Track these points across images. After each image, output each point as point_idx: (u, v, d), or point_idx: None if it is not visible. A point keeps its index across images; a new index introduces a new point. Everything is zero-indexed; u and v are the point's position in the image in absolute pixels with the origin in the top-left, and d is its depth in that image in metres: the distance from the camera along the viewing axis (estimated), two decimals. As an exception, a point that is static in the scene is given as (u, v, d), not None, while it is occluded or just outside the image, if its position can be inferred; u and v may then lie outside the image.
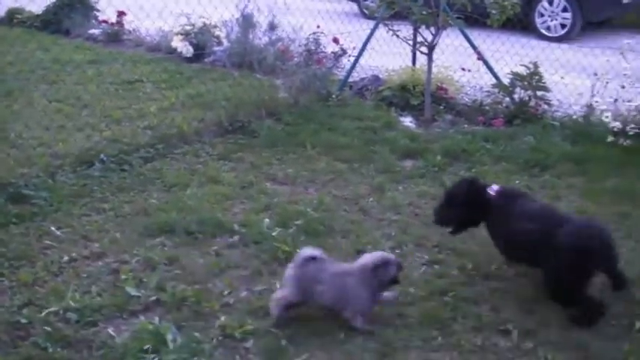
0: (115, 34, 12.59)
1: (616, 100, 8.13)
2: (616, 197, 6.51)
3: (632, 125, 7.72)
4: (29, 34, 12.65)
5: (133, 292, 4.81)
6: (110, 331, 4.46)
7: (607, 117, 7.98)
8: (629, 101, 8.02)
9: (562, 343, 4.43)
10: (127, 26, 12.77)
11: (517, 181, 6.86)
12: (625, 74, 8.18)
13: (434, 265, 5.33)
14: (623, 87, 8.13)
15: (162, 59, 11.21)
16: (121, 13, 12.49)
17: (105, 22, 12.79)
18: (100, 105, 8.65)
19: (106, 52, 11.64)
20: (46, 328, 4.40)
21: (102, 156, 6.94)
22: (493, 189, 5.18)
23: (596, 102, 8.35)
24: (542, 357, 4.27)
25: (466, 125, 8.58)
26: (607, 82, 8.42)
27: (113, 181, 6.60)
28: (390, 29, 8.63)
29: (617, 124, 7.77)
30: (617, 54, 8.58)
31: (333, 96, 9.15)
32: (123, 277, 5.00)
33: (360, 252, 5.36)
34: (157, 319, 4.51)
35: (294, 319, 4.55)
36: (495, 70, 9.44)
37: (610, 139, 7.72)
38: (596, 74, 8.56)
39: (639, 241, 5.76)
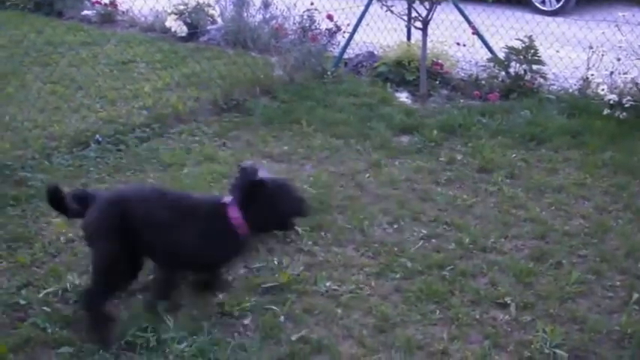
0: (109, 15, 12.51)
1: (612, 73, 8.12)
2: (613, 170, 6.52)
3: (628, 98, 7.71)
4: (22, 17, 12.56)
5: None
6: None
7: (603, 90, 7.98)
8: (624, 74, 8.00)
9: (560, 316, 4.45)
10: (120, 7, 12.71)
11: (514, 155, 6.86)
12: (620, 47, 8.17)
13: (431, 239, 5.34)
14: (618, 59, 8.13)
15: (157, 39, 11.16)
16: (114, -6, 12.46)
17: (98, 3, 12.69)
18: (95, 86, 8.61)
19: (99, 33, 11.55)
20: (44, 308, 4.40)
21: (97, 137, 6.92)
22: None
23: (592, 75, 8.35)
24: (540, 330, 4.27)
25: (462, 100, 8.57)
26: (602, 55, 8.42)
27: (109, 162, 6.58)
28: (384, 5, 8.59)
29: (613, 97, 7.77)
30: (612, 27, 8.58)
31: (328, 73, 9.12)
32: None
33: (356, 228, 5.42)
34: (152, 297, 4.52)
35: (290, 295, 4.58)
36: (490, 44, 9.44)
37: (606, 111, 7.72)
38: (591, 47, 8.56)
39: (637, 212, 5.78)
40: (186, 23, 11.18)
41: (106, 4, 12.61)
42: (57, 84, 8.61)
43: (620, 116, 7.62)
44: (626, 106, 7.66)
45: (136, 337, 4.12)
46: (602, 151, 6.93)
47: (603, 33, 8.98)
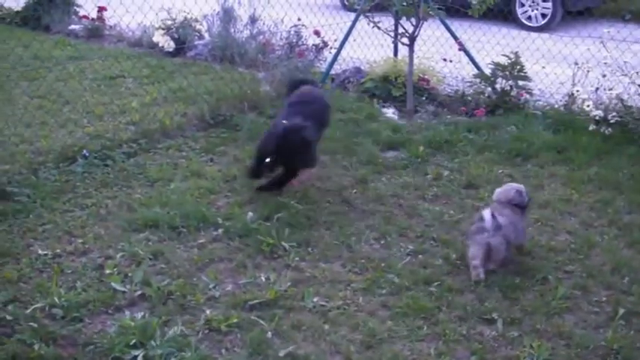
0: (96, 30, 12.52)
1: (597, 89, 8.18)
2: (598, 185, 6.57)
3: (614, 114, 7.78)
4: (8, 31, 12.55)
5: (118, 287, 4.81)
6: (96, 326, 4.46)
7: (588, 106, 8.04)
8: (610, 90, 8.06)
9: (546, 331, 4.47)
10: (107, 22, 12.71)
11: (500, 171, 6.90)
12: (605, 63, 8.22)
13: (418, 255, 5.36)
14: (604, 75, 8.18)
15: (144, 54, 11.17)
16: (101, 9, 12.41)
17: (85, 17, 12.71)
18: (82, 101, 8.60)
19: (86, 47, 11.58)
20: (31, 324, 4.38)
21: (84, 152, 6.91)
22: None
23: (578, 91, 8.41)
24: (527, 345, 4.30)
25: (448, 116, 8.62)
26: (588, 71, 8.48)
27: (96, 177, 6.57)
28: (370, 21, 8.61)
29: (599, 113, 7.83)
30: (597, 43, 8.65)
31: (316, 89, 9.11)
32: (108, 272, 4.99)
33: (343, 244, 5.43)
34: (142, 313, 4.52)
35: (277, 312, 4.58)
36: (477, 60, 9.48)
37: (592, 127, 7.78)
38: (576, 63, 8.61)
39: (622, 228, 5.82)
40: (173, 38, 11.20)
41: (93, 19, 12.61)
42: (44, 99, 8.62)
43: (606, 132, 7.67)
44: (612, 121, 7.71)
45: (123, 352, 4.13)
46: (587, 167, 6.97)
47: (588, 49, 9.06)
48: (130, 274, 4.96)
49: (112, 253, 5.28)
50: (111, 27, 12.68)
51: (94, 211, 5.95)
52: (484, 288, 4.90)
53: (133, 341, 4.20)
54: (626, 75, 7.89)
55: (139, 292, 4.75)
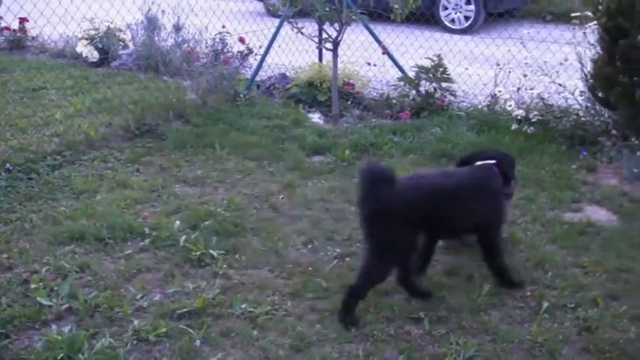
0: (18, 41, 12.37)
1: (519, 89, 8.32)
2: (522, 183, 6.64)
3: (535, 113, 7.93)
4: None
5: (44, 301, 4.74)
6: (23, 342, 4.40)
7: (510, 105, 8.20)
8: (531, 89, 8.22)
9: (472, 328, 4.54)
10: (30, 33, 12.54)
11: (425, 172, 6.98)
12: (526, 63, 8.39)
13: (345, 258, 5.39)
14: (525, 75, 8.33)
15: (67, 65, 11.06)
16: (22, 20, 12.23)
17: (7, 29, 12.49)
18: (5, 114, 8.47)
19: (8, 59, 11.40)
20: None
21: (8, 165, 6.80)
22: None
23: (500, 91, 8.56)
24: (453, 342, 4.36)
25: (374, 119, 8.69)
26: (509, 72, 8.63)
27: (20, 191, 6.47)
28: (294, 27, 8.66)
29: (521, 112, 7.98)
30: (518, 44, 8.79)
31: (241, 96, 9.13)
32: (33, 286, 4.92)
33: (271, 249, 5.44)
34: (69, 327, 4.48)
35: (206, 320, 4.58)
36: (401, 63, 9.57)
37: (514, 126, 7.91)
38: (498, 64, 8.76)
39: (545, 224, 5.93)
40: (97, 48, 11.11)
41: (15, 30, 12.43)
42: (-35, 113, 8.47)
43: (528, 131, 7.81)
44: (533, 120, 7.86)
45: (50, 366, 4.09)
46: (510, 166, 7.09)
47: (509, 50, 9.21)
48: (56, 288, 4.89)
49: (38, 267, 5.19)
50: (33, 38, 12.52)
51: (19, 225, 5.85)
52: (411, 288, 4.97)
53: (61, 355, 4.15)
54: (546, 74, 8.05)
55: (66, 306, 4.69)
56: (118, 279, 5.05)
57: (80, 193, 6.49)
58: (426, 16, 11.26)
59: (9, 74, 10.32)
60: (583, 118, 7.76)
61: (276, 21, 9.74)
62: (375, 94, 9.57)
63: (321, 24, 8.91)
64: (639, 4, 6.50)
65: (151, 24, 10.97)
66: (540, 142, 7.64)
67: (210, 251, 5.34)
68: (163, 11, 10.97)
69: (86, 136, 7.68)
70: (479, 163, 5.11)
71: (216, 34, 9.98)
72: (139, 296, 4.83)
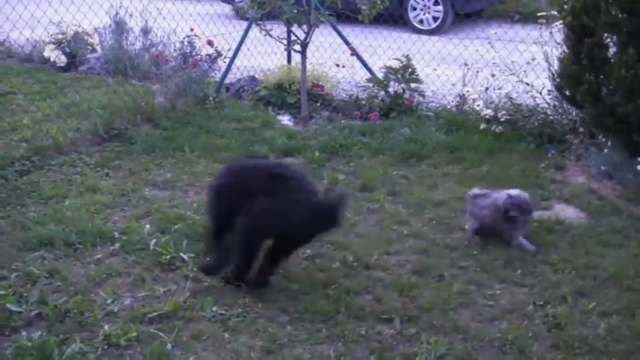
0: (-16, 47, 12.27)
1: (487, 89, 8.39)
2: (491, 182, 6.69)
3: (503, 112, 8.00)
4: None
5: (13, 307, 4.69)
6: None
7: (479, 105, 8.26)
8: (499, 89, 8.29)
9: (443, 327, 4.57)
10: (-4, 38, 12.46)
11: (395, 172, 7.01)
12: (494, 63, 8.44)
13: (315, 259, 5.40)
14: (493, 75, 8.40)
15: (35, 70, 10.96)
16: (-12, 25, 12.17)
17: (-28, 34, 12.43)
18: (-29, 120, 8.42)
19: (-26, 65, 11.33)
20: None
21: (-25, 172, 6.77)
22: None
23: (468, 91, 8.62)
24: (424, 342, 4.38)
25: (343, 121, 8.71)
26: (478, 72, 8.69)
27: (-12, 197, 6.45)
28: (262, 29, 8.65)
29: (489, 112, 8.05)
30: (486, 44, 8.86)
31: (210, 99, 9.11)
32: (2, 293, 4.86)
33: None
34: (40, 333, 4.45)
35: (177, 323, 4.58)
36: (369, 64, 9.60)
37: (483, 126, 7.98)
38: (467, 64, 8.81)
39: (513, 222, 5.96)
40: (65, 53, 11.03)
41: (-19, 36, 12.33)
42: None
43: (496, 130, 7.88)
44: (502, 120, 7.93)
45: (19, 371, 4.07)
46: (479, 165, 7.17)
47: (477, 50, 9.27)
48: (25, 294, 4.85)
49: (7, 273, 5.14)
50: (0, 43, 12.42)
51: (-14, 232, 5.83)
52: (381, 288, 4.99)
53: (31, 360, 4.14)
54: (514, 74, 8.11)
55: (36, 312, 4.66)
56: (88, 284, 5.02)
57: (49, 198, 6.44)
58: (395, 17, 11.31)
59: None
60: (551, 117, 7.84)
61: (245, 23, 9.73)
62: (344, 95, 9.60)
63: (289, 26, 8.93)
64: (604, 3, 6.56)
65: (119, 28, 10.92)
66: (509, 141, 7.70)
67: (181, 254, 5.32)
68: (131, 15, 10.92)
69: (54, 141, 7.61)
70: None
71: (184, 38, 9.95)
72: (109, 301, 4.81)
